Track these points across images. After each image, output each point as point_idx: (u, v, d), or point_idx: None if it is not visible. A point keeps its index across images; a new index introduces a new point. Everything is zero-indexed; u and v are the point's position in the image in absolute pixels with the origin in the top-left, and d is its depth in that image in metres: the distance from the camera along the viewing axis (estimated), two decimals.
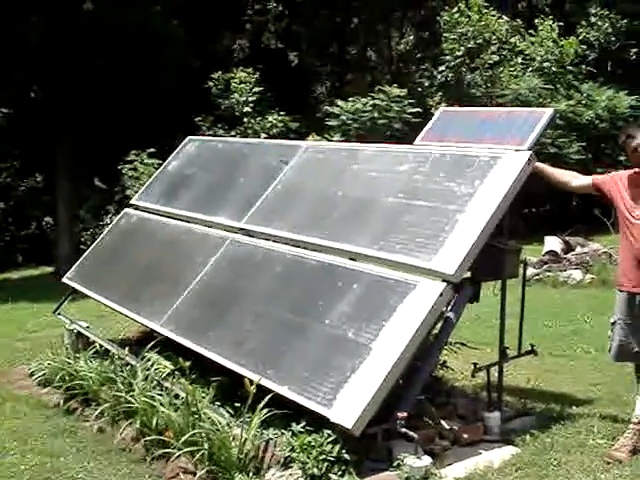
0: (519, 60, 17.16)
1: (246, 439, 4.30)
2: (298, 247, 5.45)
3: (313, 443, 4.15)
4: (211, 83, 16.19)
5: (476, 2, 16.44)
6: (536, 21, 17.45)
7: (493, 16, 16.68)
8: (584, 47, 17.15)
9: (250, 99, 15.88)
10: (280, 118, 15.86)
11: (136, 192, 8.18)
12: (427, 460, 4.22)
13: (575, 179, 5.04)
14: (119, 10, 14.45)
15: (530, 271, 10.56)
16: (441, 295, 4.33)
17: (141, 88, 15.56)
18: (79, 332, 6.71)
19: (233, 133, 15.50)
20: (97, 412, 5.38)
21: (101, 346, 6.16)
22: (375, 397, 4.06)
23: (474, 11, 16.45)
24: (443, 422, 4.73)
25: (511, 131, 5.10)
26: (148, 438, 4.83)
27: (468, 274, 4.63)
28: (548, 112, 5.15)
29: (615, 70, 18.80)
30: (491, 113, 5.83)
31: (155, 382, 5.32)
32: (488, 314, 6.02)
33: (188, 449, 4.41)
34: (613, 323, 4.74)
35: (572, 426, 4.95)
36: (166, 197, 7.27)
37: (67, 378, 5.94)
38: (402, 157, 5.42)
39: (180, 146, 7.81)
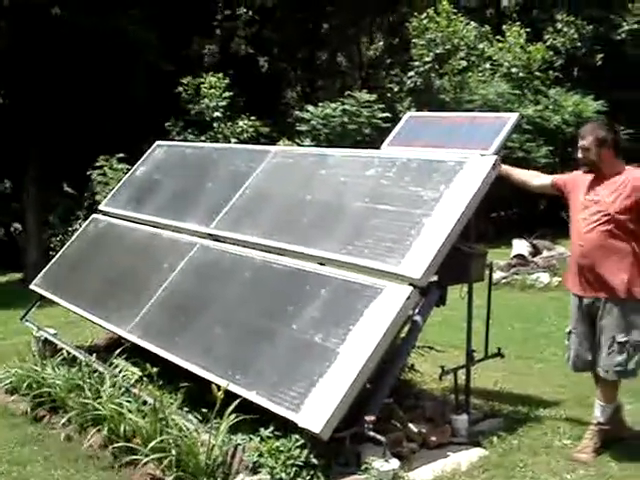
0: (487, 66, 17.35)
1: (214, 445, 4.29)
2: (267, 252, 5.45)
3: (281, 448, 4.16)
4: (181, 88, 16.13)
5: (445, 8, 16.59)
6: (504, 27, 17.65)
7: (461, 22, 16.85)
8: (551, 53, 17.38)
9: (220, 104, 15.83)
10: (250, 123, 15.84)
11: (105, 197, 8.14)
12: (395, 463, 4.24)
13: (537, 178, 5.12)
14: (89, 16, 14.32)
15: (498, 274, 10.67)
16: (408, 299, 4.36)
17: (111, 93, 15.44)
18: (46, 339, 6.65)
19: (203, 138, 15.45)
20: (64, 420, 5.33)
21: (69, 353, 6.11)
22: (343, 401, 4.08)
23: (443, 17, 16.59)
24: (411, 425, 4.76)
25: (477, 136, 5.17)
26: (116, 445, 4.80)
27: (435, 278, 4.68)
28: (513, 117, 5.22)
29: (581, 75, 19.05)
30: (457, 118, 5.89)
31: (123, 389, 5.29)
32: (455, 317, 6.06)
33: (156, 455, 4.39)
34: (569, 332, 4.80)
35: (539, 428, 5.02)
36: (134, 203, 7.24)
37: (34, 386, 5.86)
38: (369, 162, 5.45)
39: (148, 151, 7.78)
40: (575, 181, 4.81)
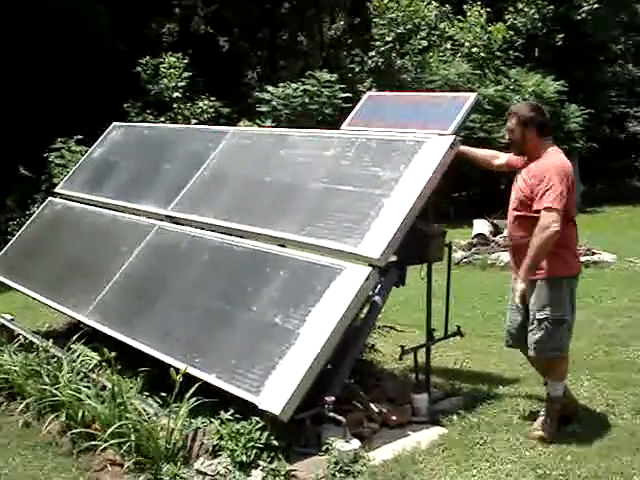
0: (448, 46, 17.35)
1: (174, 429, 4.26)
2: (226, 234, 5.41)
3: (242, 430, 4.14)
4: (140, 68, 15.89)
5: None
6: (465, 7, 17.65)
7: (422, 2, 16.81)
8: (512, 33, 17.41)
9: (180, 84, 15.63)
10: (211, 104, 15.67)
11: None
12: (356, 443, 4.25)
13: (496, 158, 5.10)
14: None
15: (459, 254, 10.73)
16: (367, 279, 4.36)
17: (67, 74, 15.15)
18: (2, 325, 6.54)
19: (163, 119, 15.24)
20: (22, 406, 5.24)
21: (25, 339, 6.01)
22: (302, 383, 4.07)
23: None
24: (372, 405, 4.76)
25: (435, 116, 5.15)
26: (75, 431, 4.74)
27: (394, 258, 4.68)
28: (471, 97, 5.22)
29: (542, 55, 19.14)
30: (416, 98, 5.88)
31: (81, 374, 5.22)
32: (415, 297, 6.07)
33: (115, 441, 4.34)
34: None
35: (498, 406, 5.06)
36: (91, 185, 7.13)
37: None
38: (328, 142, 5.42)
39: (105, 132, 7.66)
40: (524, 161, 4.81)
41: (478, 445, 4.44)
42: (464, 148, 4.97)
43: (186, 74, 15.69)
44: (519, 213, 4.60)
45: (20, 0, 14.10)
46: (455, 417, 4.83)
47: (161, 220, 5.96)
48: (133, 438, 4.31)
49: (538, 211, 4.40)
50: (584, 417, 4.91)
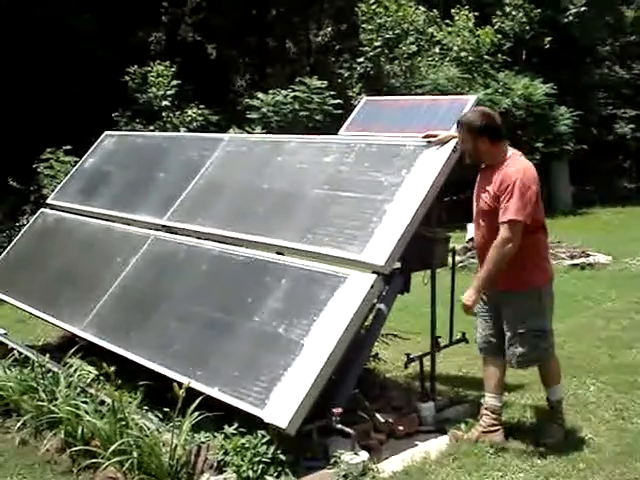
0: (437, 50, 17.36)
1: (177, 445, 4.14)
2: (224, 243, 5.31)
3: (247, 445, 4.03)
4: (127, 77, 15.78)
5: None
6: (452, 11, 17.65)
7: (411, 7, 16.79)
8: (500, 36, 17.43)
9: (168, 93, 15.55)
10: (200, 112, 15.59)
11: (53, 191, 7.87)
12: (364, 455, 4.14)
13: None
14: (25, 3, 13.89)
15: (455, 259, 10.64)
16: (372, 287, 4.26)
17: (54, 83, 15.05)
18: None
19: (152, 128, 15.14)
20: (19, 423, 5.10)
21: (20, 353, 5.87)
22: (309, 395, 3.97)
23: (391, 2, 16.51)
24: (378, 415, 4.67)
25: (435, 119, 5.08)
26: (74, 449, 4.60)
27: (398, 265, 4.59)
28: (472, 99, 5.17)
29: (530, 59, 19.18)
30: (415, 101, 5.83)
31: (79, 389, 5.08)
32: (416, 303, 6.00)
33: (117, 459, 4.21)
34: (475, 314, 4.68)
35: (505, 412, 4.95)
36: (84, 195, 7.00)
37: None
38: (327, 148, 5.33)
39: (97, 142, 7.54)
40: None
41: (488, 454, 4.34)
42: None
43: (174, 82, 15.62)
44: (485, 224, 4.40)
45: (7, 9, 13.97)
46: (463, 425, 4.72)
47: (157, 230, 5.84)
48: (135, 455, 4.18)
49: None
50: (594, 423, 4.83)
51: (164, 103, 15.46)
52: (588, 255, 10.86)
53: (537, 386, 5.46)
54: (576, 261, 10.64)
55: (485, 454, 4.34)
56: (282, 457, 4.00)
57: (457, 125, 4.46)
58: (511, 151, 4.44)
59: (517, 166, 4.31)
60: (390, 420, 4.67)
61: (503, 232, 4.20)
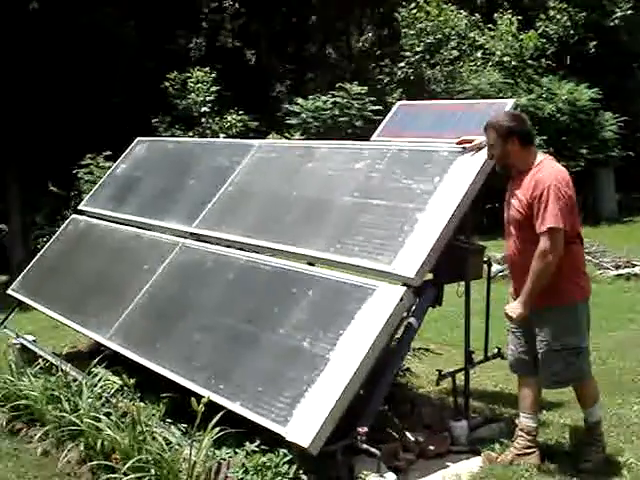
0: (479, 55, 17.08)
1: (195, 462, 3.99)
2: (252, 252, 5.16)
3: (268, 464, 3.86)
4: (167, 83, 15.81)
5: None
6: (495, 15, 17.36)
7: (452, 11, 16.56)
8: (543, 41, 17.12)
9: (208, 99, 15.56)
10: (239, 118, 15.57)
11: None
12: (391, 477, 3.94)
13: None
14: (68, 11, 14.00)
15: (495, 268, 10.34)
16: (401, 300, 4.06)
17: (95, 90, 15.15)
18: (24, 346, 6.34)
19: (191, 134, 15.16)
20: (41, 433, 5.02)
21: (46, 361, 5.80)
22: (333, 412, 3.78)
23: (433, 6, 16.30)
24: (408, 434, 4.47)
25: (471, 125, 4.85)
26: (94, 462, 4.49)
27: (430, 276, 4.39)
28: (509, 103, 4.94)
29: (574, 63, 18.77)
30: (450, 106, 5.62)
31: (103, 400, 4.98)
32: (453, 313, 5.78)
33: (134, 475, 4.07)
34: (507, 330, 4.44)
35: (543, 432, 4.71)
36: (115, 201, 6.93)
37: (11, 397, 5.56)
38: (358, 154, 5.15)
39: (129, 148, 7.48)
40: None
41: (523, 478, 4.11)
42: None
43: (214, 88, 15.61)
44: (517, 233, 4.16)
45: (50, 17, 14.10)
46: (497, 446, 4.48)
47: (185, 237, 5.73)
48: (153, 472, 4.05)
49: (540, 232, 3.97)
50: (636, 445, 4.56)
51: (203, 109, 15.48)
52: (634, 265, 10.50)
53: (577, 404, 5.20)
54: (621, 271, 10.31)
55: (520, 478, 4.10)
56: (304, 477, 3.82)
57: (484, 129, 4.22)
58: (542, 156, 4.20)
59: (550, 171, 4.06)
60: (420, 439, 4.47)
61: (543, 242, 3.95)
